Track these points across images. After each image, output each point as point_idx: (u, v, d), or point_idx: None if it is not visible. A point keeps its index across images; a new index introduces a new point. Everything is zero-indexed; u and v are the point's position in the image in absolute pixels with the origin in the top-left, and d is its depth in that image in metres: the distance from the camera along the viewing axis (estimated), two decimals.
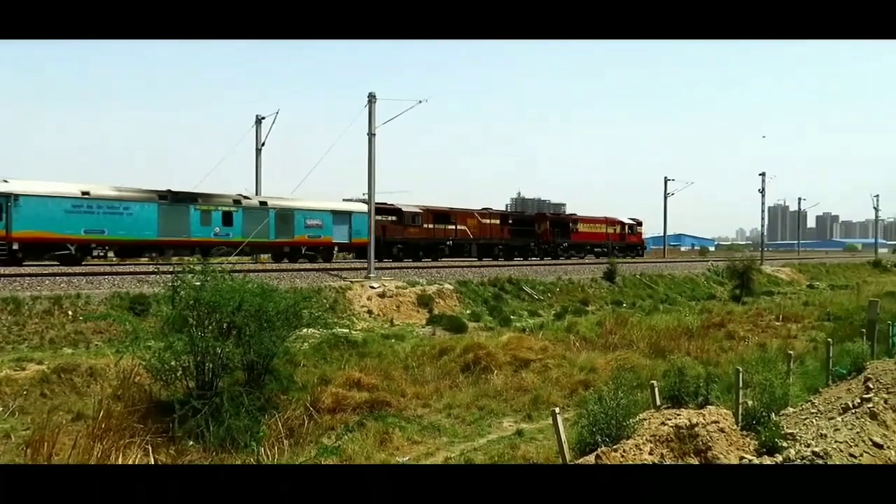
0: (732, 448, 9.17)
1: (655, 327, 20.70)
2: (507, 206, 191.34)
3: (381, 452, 10.25)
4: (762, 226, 61.27)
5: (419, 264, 35.24)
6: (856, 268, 63.26)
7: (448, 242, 42.05)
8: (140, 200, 28.01)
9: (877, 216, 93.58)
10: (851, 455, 8.82)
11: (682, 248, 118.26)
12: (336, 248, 35.67)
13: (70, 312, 16.85)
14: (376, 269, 27.43)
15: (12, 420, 10.96)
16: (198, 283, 11.54)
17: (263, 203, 32.49)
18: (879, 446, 9.36)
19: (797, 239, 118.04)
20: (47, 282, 19.19)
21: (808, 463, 8.31)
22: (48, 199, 25.37)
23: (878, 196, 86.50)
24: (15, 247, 24.66)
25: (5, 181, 25.01)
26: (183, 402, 10.33)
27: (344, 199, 39.12)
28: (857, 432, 9.54)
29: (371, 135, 26.81)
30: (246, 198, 32.13)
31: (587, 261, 46.51)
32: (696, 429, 8.96)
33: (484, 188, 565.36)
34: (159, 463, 9.00)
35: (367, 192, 28.34)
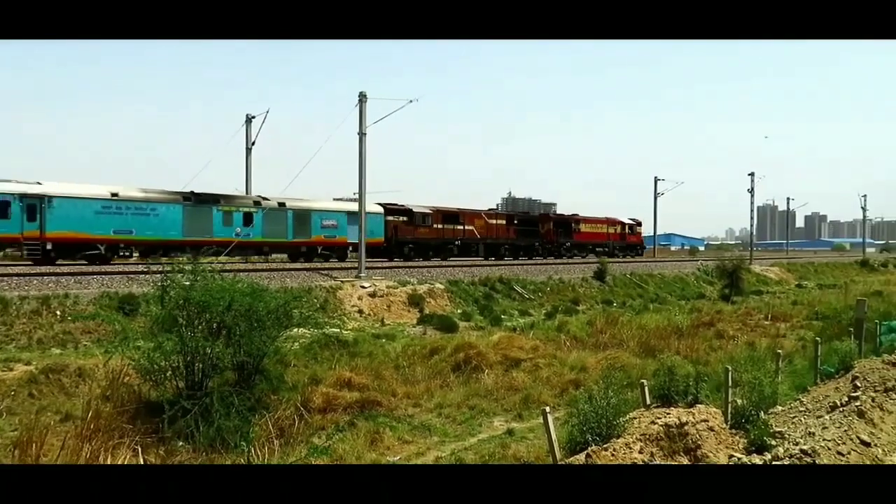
0: (721, 446, 9.23)
1: (645, 327, 20.78)
2: (497, 205, 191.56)
3: (371, 452, 10.24)
4: (751, 225, 61.59)
5: (413, 264, 35.30)
6: (844, 267, 63.72)
7: (457, 242, 42.89)
8: (166, 202, 28.86)
9: (864, 216, 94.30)
10: (839, 453, 8.89)
11: (672, 248, 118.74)
12: (350, 248, 36.13)
13: (58, 312, 16.73)
14: (367, 268, 27.40)
15: (0, 421, 10.88)
16: (187, 283, 11.50)
17: (282, 204, 33.20)
18: (867, 444, 9.43)
19: (786, 238, 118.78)
20: (35, 281, 19.05)
21: (798, 463, 8.37)
22: (79, 201, 26.23)
23: (865, 196, 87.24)
24: (48, 247, 25.44)
25: (38, 183, 25.72)
26: (172, 402, 10.29)
27: (335, 199, 39.19)
28: (845, 430, 9.61)
29: (361, 134, 26.78)
30: (265, 199, 32.93)
31: (584, 260, 46.76)
32: (686, 427, 9.01)
33: (474, 188, 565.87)
34: (149, 463, 8.95)
35: (357, 191, 28.34)
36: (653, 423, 9.12)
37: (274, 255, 35.45)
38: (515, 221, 49.34)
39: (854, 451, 9.16)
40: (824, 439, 9.24)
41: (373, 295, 23.82)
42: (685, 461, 8.70)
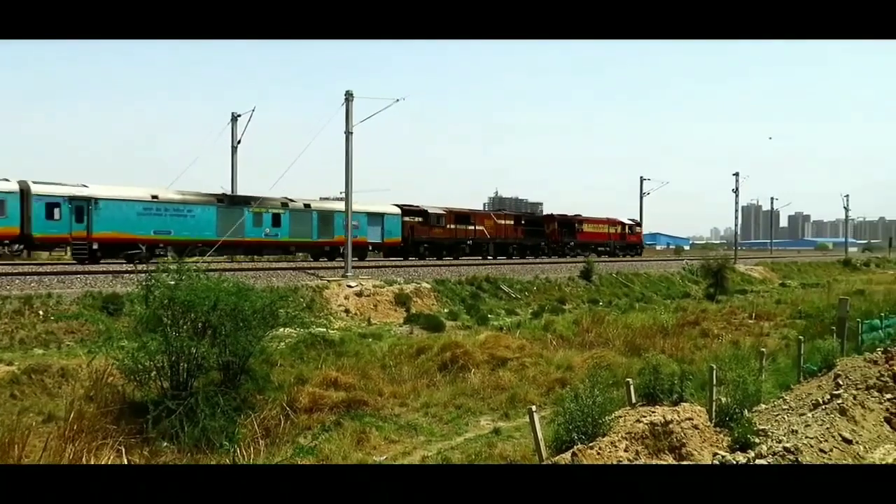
0: (706, 444, 9.30)
1: (631, 326, 20.89)
2: (484, 204, 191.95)
3: (357, 452, 10.22)
4: (736, 225, 62.04)
5: (405, 263, 35.30)
6: (826, 266, 64.37)
7: (468, 242, 43.95)
8: (201, 203, 30.25)
9: (847, 216, 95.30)
10: (821, 450, 9.00)
11: (658, 248, 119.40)
12: (370, 248, 37.50)
13: (41, 312, 16.55)
14: (353, 267, 27.34)
15: None
16: (172, 282, 11.42)
17: (307, 205, 34.68)
18: (848, 441, 9.55)
19: (770, 238, 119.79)
20: (17, 281, 18.84)
21: (785, 463, 8.45)
22: (123, 203, 27.65)
23: (847, 196, 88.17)
24: (95, 246, 26.86)
25: (85, 186, 27.10)
26: (157, 402, 10.21)
27: (321, 198, 39.29)
28: (827, 428, 9.73)
29: (348, 133, 26.74)
30: (292, 200, 34.13)
31: (572, 259, 47.15)
32: (671, 426, 9.07)
33: (463, 187, 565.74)
34: (132, 464, 8.88)
35: (343, 190, 28.30)
36: (638, 421, 9.17)
37: (265, 256, 35.70)
38: (523, 222, 50.59)
39: (836, 448, 9.27)
40: (807, 437, 9.34)
41: (359, 294, 23.77)
42: (670, 459, 8.76)
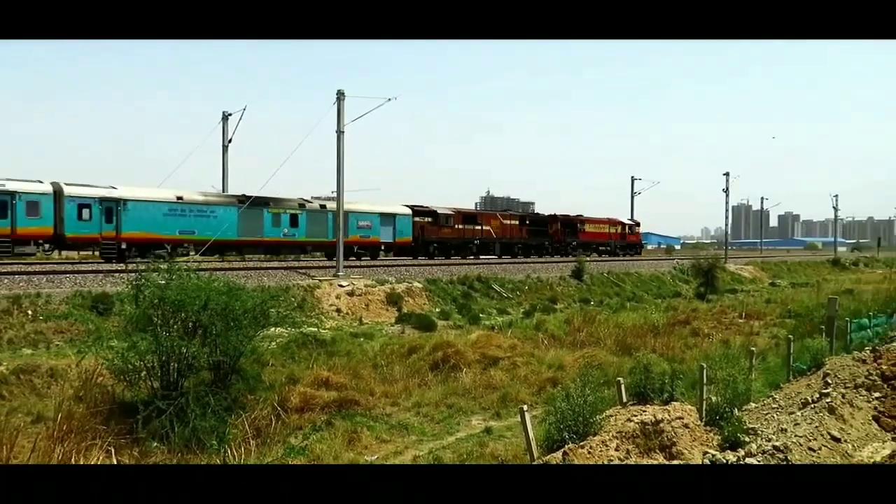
0: (696, 443, 9.34)
1: (622, 325, 20.96)
2: (475, 204, 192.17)
3: (349, 451, 10.21)
4: (726, 225, 62.34)
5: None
6: (816, 266, 64.79)
7: (476, 241, 44.50)
8: (223, 204, 30.91)
9: (836, 216, 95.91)
10: (811, 449, 9.06)
11: (649, 247, 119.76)
12: (382, 247, 38.26)
13: (30, 312, 16.44)
14: (345, 267, 27.31)
15: None
16: (162, 282, 11.36)
17: (323, 206, 35.31)
18: (837, 440, 9.62)
19: (760, 237, 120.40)
20: (6, 280, 18.70)
21: (775, 461, 8.49)
22: (150, 204, 28.38)
23: (837, 196, 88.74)
24: (123, 246, 27.45)
25: (114, 188, 27.85)
26: (147, 402, 10.17)
27: (313, 197, 39.23)
28: (816, 426, 9.79)
29: (339, 132, 26.71)
30: (308, 201, 35.12)
31: (563, 259, 47.39)
32: (662, 425, 9.10)
33: (453, 186, 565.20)
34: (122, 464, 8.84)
35: (335, 189, 28.29)
36: (629, 420, 9.21)
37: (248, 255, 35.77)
38: (527, 222, 51.20)
39: (825, 446, 9.33)
40: (796, 435, 9.40)
41: (351, 294, 23.74)
42: (661, 458, 8.80)
